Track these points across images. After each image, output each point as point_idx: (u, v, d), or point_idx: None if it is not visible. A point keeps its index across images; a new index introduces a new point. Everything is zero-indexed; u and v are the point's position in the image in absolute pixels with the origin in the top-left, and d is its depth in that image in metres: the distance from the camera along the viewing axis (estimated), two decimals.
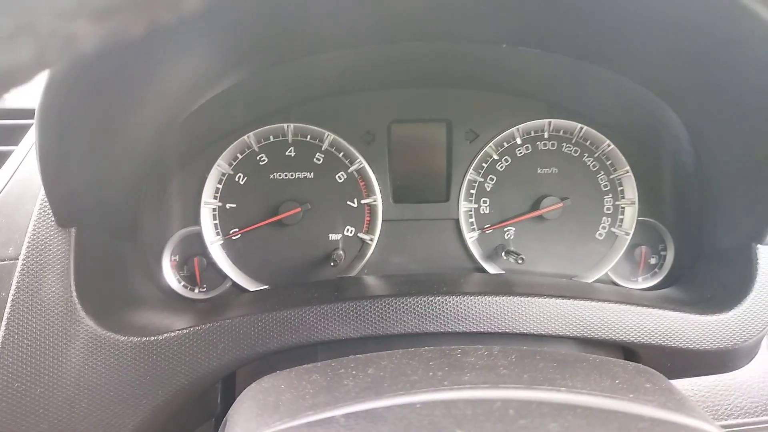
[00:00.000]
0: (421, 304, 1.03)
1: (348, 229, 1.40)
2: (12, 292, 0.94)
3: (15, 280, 0.95)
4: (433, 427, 0.53)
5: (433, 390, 0.62)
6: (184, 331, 0.99)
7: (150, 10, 0.28)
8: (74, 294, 0.96)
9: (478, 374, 0.68)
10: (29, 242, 0.96)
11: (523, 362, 0.73)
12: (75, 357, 0.95)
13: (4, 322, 0.93)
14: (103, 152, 0.96)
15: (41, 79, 0.74)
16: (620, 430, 0.55)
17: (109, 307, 1.03)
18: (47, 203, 0.96)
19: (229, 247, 1.37)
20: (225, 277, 1.36)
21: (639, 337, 1.06)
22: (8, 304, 0.93)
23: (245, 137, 1.35)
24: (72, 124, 0.82)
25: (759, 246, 1.10)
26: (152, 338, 0.97)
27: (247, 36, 0.97)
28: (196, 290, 1.36)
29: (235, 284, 1.36)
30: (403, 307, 1.03)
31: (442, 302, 1.03)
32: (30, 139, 1.19)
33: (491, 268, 1.41)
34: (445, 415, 0.55)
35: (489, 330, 1.03)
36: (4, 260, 1.00)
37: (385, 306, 1.03)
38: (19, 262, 0.96)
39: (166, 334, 0.98)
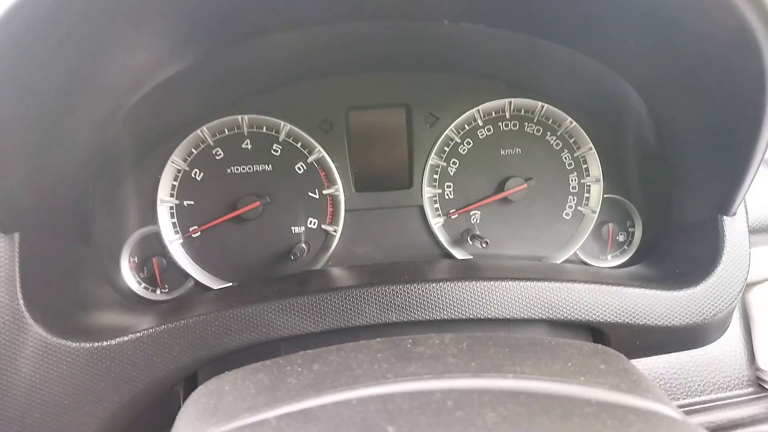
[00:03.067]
0: (383, 293, 1.01)
1: (311, 221, 1.36)
2: None
3: None
4: (365, 424, 0.50)
5: (374, 384, 0.60)
6: (138, 334, 0.96)
7: None
8: (21, 301, 0.92)
9: (424, 365, 0.65)
10: None
11: (473, 349, 0.71)
12: (25, 366, 0.91)
13: None
14: (43, 151, 0.92)
15: None
16: (563, 416, 0.52)
17: (60, 313, 1.00)
18: None
19: (189, 245, 1.33)
20: (187, 276, 1.33)
21: (606, 316, 1.04)
22: None
23: (198, 131, 1.31)
24: (5, 123, 0.78)
25: (725, 218, 1.09)
26: (105, 343, 0.94)
27: (194, 14, 0.92)
28: (158, 291, 1.33)
29: (197, 283, 1.33)
30: (365, 297, 1.01)
31: (405, 290, 1.01)
32: None
33: (459, 254, 1.39)
34: (380, 410, 0.53)
35: (455, 317, 1.01)
36: None
37: (346, 297, 1.01)
38: None
39: (119, 339, 0.95)
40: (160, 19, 0.89)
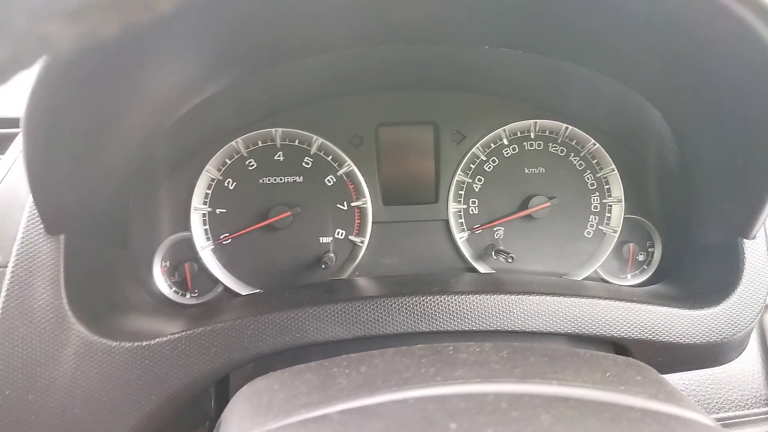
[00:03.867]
0: (412, 304, 1.04)
1: (338, 232, 1.40)
2: (2, 299, 0.94)
3: (4, 287, 0.95)
4: (427, 420, 0.53)
5: (425, 385, 0.63)
6: (176, 335, 0.99)
7: (123, 10, 0.29)
8: (65, 300, 0.95)
9: (470, 369, 0.68)
10: (18, 250, 0.96)
11: (515, 357, 0.74)
12: (67, 363, 0.94)
13: None
14: (90, 159, 0.96)
15: (27, 87, 0.74)
16: (611, 420, 0.55)
17: (100, 313, 1.03)
18: (35, 211, 0.96)
19: (219, 252, 1.37)
20: (216, 281, 1.36)
21: (629, 332, 1.07)
22: None
23: (233, 143, 1.35)
24: (58, 132, 0.82)
25: (745, 240, 1.12)
26: (144, 343, 0.97)
27: (234, 41, 0.98)
28: (188, 295, 1.36)
29: (226, 289, 1.36)
30: (395, 307, 1.04)
31: (434, 302, 1.04)
32: (17, 148, 1.19)
33: (482, 268, 1.42)
34: (438, 409, 0.56)
35: (481, 328, 1.03)
36: None
37: (376, 307, 1.04)
38: (9, 270, 0.96)
39: (158, 339, 0.98)
40: (203, 48, 0.94)
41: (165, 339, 0.98)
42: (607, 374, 0.71)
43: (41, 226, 0.96)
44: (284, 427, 0.58)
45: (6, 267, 0.97)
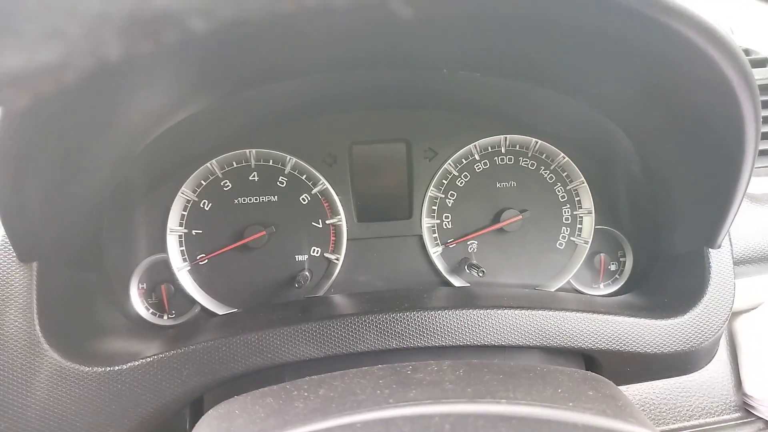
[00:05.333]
0: (384, 321, 1.06)
1: (314, 250, 1.42)
2: None
3: None
4: None
5: (376, 409, 0.64)
6: (148, 359, 1.00)
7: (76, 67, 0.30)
8: (37, 328, 0.97)
9: (423, 390, 0.70)
10: None
11: (470, 376, 0.76)
12: (40, 390, 0.96)
13: None
14: (63, 187, 0.98)
15: None
16: None
17: (74, 338, 1.04)
18: (6, 239, 0.97)
19: (196, 272, 1.38)
20: (193, 302, 1.37)
21: (598, 343, 1.09)
22: None
23: (208, 164, 1.37)
24: (28, 161, 0.84)
25: (711, 250, 1.14)
26: (116, 368, 0.99)
27: (210, 69, 0.99)
28: (165, 317, 1.37)
29: (203, 309, 1.38)
30: (367, 324, 1.05)
31: (405, 318, 1.06)
32: None
33: (457, 282, 1.44)
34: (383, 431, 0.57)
35: (453, 343, 1.05)
36: None
37: (348, 325, 1.05)
38: None
39: (130, 364, 0.99)
40: (176, 74, 0.96)
41: (137, 363, 1.00)
42: (559, 390, 0.73)
43: (13, 254, 0.98)
44: None
45: None
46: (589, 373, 0.86)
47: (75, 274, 1.12)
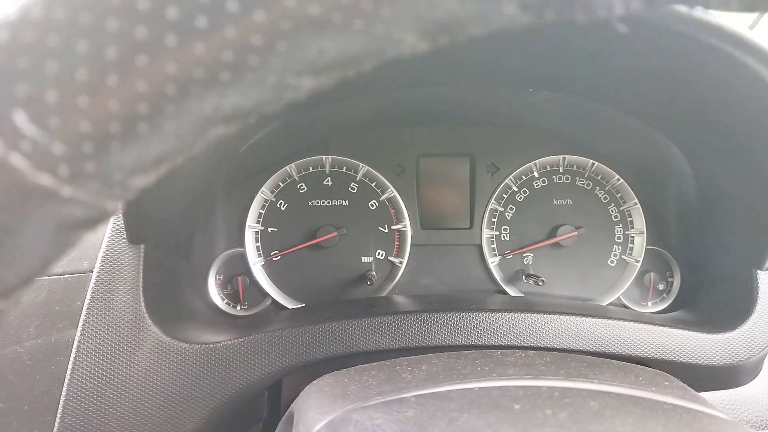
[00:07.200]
0: (453, 319, 1.14)
1: (379, 253, 1.51)
2: (87, 301, 1.04)
3: (89, 291, 1.05)
4: (493, 402, 0.63)
5: (484, 379, 0.73)
6: (240, 339, 1.08)
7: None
8: (142, 304, 1.06)
9: (520, 369, 0.78)
10: (103, 257, 1.07)
11: (557, 362, 0.84)
12: (142, 362, 1.04)
13: (79, 329, 1.03)
14: (170, 180, 1.07)
15: None
16: (650, 408, 0.65)
17: (169, 317, 1.13)
18: (119, 222, 1.07)
19: (269, 267, 1.48)
20: (265, 295, 1.47)
21: (651, 352, 1.15)
22: (83, 313, 1.03)
23: (287, 167, 1.48)
24: None
25: (759, 272, 1.21)
26: (211, 345, 1.07)
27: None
28: (238, 307, 1.47)
29: (274, 302, 1.47)
30: (436, 321, 1.13)
31: (473, 318, 1.14)
32: None
33: (512, 291, 1.52)
34: (501, 395, 0.66)
35: (513, 344, 1.13)
36: (80, 273, 1.10)
37: (420, 320, 1.13)
38: (93, 275, 1.06)
39: (222, 341, 1.08)
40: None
41: (230, 342, 1.08)
42: (639, 378, 0.81)
43: (124, 236, 1.07)
44: (366, 408, 0.68)
45: (91, 272, 1.08)
46: (657, 370, 0.93)
47: (172, 260, 1.21)
